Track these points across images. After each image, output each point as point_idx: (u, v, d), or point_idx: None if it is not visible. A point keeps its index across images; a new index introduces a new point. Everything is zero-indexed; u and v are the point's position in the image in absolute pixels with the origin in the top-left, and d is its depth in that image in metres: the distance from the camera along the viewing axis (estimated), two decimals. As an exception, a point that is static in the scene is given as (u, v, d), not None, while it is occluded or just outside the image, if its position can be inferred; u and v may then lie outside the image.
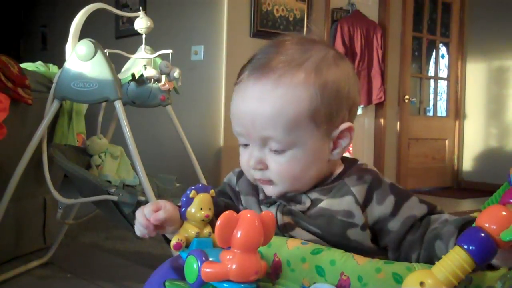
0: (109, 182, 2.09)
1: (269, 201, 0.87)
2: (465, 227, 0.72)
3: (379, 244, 0.82)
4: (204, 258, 0.65)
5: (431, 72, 5.75)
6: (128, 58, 2.23)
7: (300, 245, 0.75)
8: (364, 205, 0.80)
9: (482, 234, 0.59)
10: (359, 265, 0.70)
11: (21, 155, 1.96)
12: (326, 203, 0.82)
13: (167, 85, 2.17)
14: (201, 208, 0.79)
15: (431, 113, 5.80)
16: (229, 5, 3.85)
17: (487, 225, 0.60)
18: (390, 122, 5.06)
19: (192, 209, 0.79)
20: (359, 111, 4.69)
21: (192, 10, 4.11)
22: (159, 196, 2.09)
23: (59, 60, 2.21)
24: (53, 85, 1.98)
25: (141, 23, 2.16)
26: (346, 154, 0.92)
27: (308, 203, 0.83)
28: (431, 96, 5.79)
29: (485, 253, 0.59)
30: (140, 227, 0.81)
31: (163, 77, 2.16)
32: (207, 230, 0.80)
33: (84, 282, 2.11)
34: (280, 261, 0.75)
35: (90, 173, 2.02)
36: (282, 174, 0.83)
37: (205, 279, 0.64)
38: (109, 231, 2.88)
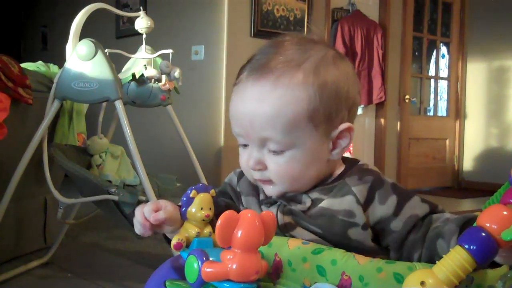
0: (110, 181, 2.08)
1: (269, 201, 0.87)
2: (466, 226, 0.72)
3: (381, 243, 0.81)
4: (204, 258, 0.65)
5: (432, 72, 5.75)
6: (129, 58, 2.23)
7: (301, 245, 0.75)
8: (365, 205, 0.80)
9: (483, 234, 0.59)
10: (360, 264, 0.69)
11: (21, 155, 1.96)
12: (326, 202, 0.82)
13: (167, 85, 2.17)
14: (202, 208, 0.79)
15: (431, 113, 5.80)
16: (230, 5, 3.85)
17: (488, 225, 0.60)
18: (391, 122, 5.05)
19: (192, 209, 0.79)
20: (360, 111, 4.69)
21: (192, 10, 4.11)
22: (159, 196, 2.09)
23: (60, 60, 2.21)
24: (54, 85, 1.98)
25: (142, 23, 2.16)
26: (347, 154, 0.92)
27: (308, 202, 0.83)
28: (432, 96, 5.79)
29: (486, 253, 0.59)
30: (138, 225, 0.81)
31: (164, 77, 2.16)
32: (208, 230, 0.80)
33: (84, 282, 2.11)
34: (281, 261, 0.75)
35: (90, 172, 2.02)
36: (281, 175, 0.83)
37: (206, 279, 0.64)
38: (110, 231, 2.89)
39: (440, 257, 0.61)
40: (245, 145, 0.86)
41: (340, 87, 0.83)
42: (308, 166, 0.83)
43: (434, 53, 5.68)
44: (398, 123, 5.14)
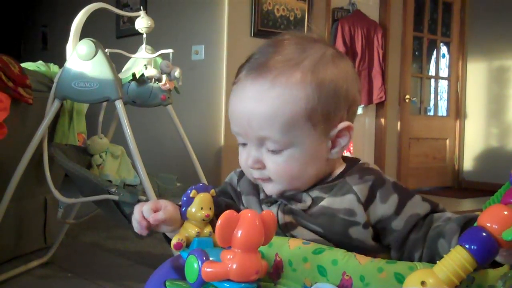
0: (110, 181, 2.08)
1: (269, 200, 0.87)
2: (467, 225, 0.72)
3: (382, 242, 0.81)
4: (204, 258, 0.65)
5: (432, 72, 5.75)
6: (129, 58, 2.23)
7: (301, 244, 0.75)
8: (366, 204, 0.79)
9: (484, 234, 0.59)
10: (361, 264, 0.69)
11: (21, 154, 1.96)
12: (327, 201, 0.81)
13: (167, 85, 2.17)
14: (202, 208, 0.79)
15: (431, 113, 5.80)
16: (230, 4, 3.85)
17: (488, 225, 0.60)
18: (391, 122, 5.05)
19: (192, 209, 0.79)
20: (360, 111, 4.69)
21: (192, 10, 4.11)
22: (159, 195, 2.09)
23: (60, 59, 2.21)
24: (54, 85, 1.98)
25: (142, 22, 2.16)
26: (347, 154, 0.91)
27: (309, 201, 0.83)
28: (432, 95, 5.79)
29: (487, 253, 0.59)
30: (136, 224, 0.82)
31: (164, 76, 2.15)
32: (208, 229, 0.80)
33: (84, 281, 2.11)
34: (282, 260, 0.75)
35: (90, 172, 2.02)
36: (280, 174, 0.83)
37: (206, 279, 0.64)
38: (110, 231, 2.89)
39: (441, 257, 0.61)
40: (244, 144, 0.86)
41: (339, 86, 0.82)
42: (306, 165, 0.83)
43: (435, 53, 5.68)
44: (398, 123, 5.14)
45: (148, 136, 4.01)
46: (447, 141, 5.65)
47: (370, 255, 0.75)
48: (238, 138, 0.86)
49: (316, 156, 0.83)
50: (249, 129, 0.82)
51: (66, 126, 2.32)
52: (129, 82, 2.20)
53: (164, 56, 2.20)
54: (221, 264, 0.63)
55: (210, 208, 0.79)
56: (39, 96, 2.12)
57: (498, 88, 5.52)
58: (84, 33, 2.06)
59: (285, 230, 0.83)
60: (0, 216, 1.96)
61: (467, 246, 0.59)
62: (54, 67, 2.41)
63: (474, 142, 5.65)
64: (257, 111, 0.81)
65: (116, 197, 1.80)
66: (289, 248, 0.75)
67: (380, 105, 4.97)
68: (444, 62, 5.78)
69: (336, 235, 0.80)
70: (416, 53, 5.52)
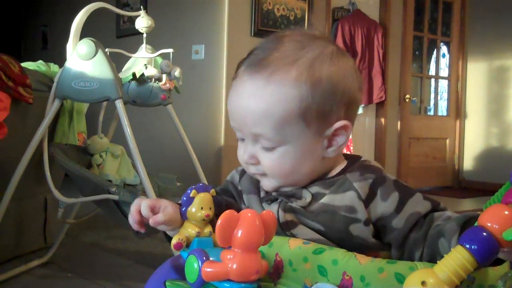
0: (110, 181, 2.08)
1: (270, 198, 0.87)
2: (467, 224, 0.72)
3: (383, 240, 0.81)
4: (204, 258, 0.65)
5: (432, 72, 5.75)
6: (129, 57, 2.23)
7: (302, 244, 0.75)
8: (367, 201, 0.79)
9: (484, 234, 0.59)
10: (362, 264, 0.69)
11: (21, 154, 1.96)
12: (328, 198, 0.81)
13: (168, 84, 2.17)
14: (202, 208, 0.79)
15: (431, 113, 5.80)
16: (230, 4, 3.85)
17: (489, 225, 0.59)
18: (391, 122, 5.05)
19: (192, 209, 0.79)
20: (360, 111, 4.69)
21: (193, 9, 4.11)
22: (160, 195, 2.09)
23: (60, 59, 2.21)
24: (54, 84, 1.98)
25: (142, 22, 2.16)
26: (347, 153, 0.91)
27: (309, 197, 0.83)
28: (432, 95, 5.79)
29: (487, 253, 0.59)
30: (131, 220, 0.83)
31: (164, 76, 2.15)
32: (208, 229, 0.80)
33: (84, 281, 2.11)
34: (282, 260, 0.75)
35: (91, 172, 2.02)
36: (273, 170, 0.83)
37: (206, 279, 0.64)
38: (110, 231, 2.89)
39: (442, 256, 0.61)
40: (243, 139, 0.86)
41: (336, 84, 0.81)
42: (300, 163, 0.82)
43: (435, 52, 5.68)
44: (399, 123, 5.14)
45: (148, 135, 4.01)
46: (447, 141, 5.65)
47: (371, 253, 0.75)
48: (236, 133, 0.87)
49: (310, 154, 0.83)
50: (244, 125, 0.83)
51: (66, 125, 2.32)
52: (129, 81, 2.20)
53: (164, 56, 2.20)
54: (221, 264, 0.63)
55: (210, 208, 0.79)
56: (39, 96, 2.12)
57: (498, 88, 5.51)
58: (84, 33, 2.06)
59: (285, 228, 0.83)
60: (0, 216, 1.96)
61: (467, 246, 0.59)
62: (54, 67, 2.41)
63: (474, 142, 5.65)
64: (251, 108, 0.81)
65: (116, 197, 1.80)
66: (290, 248, 0.75)
67: (380, 104, 4.97)
68: (444, 62, 5.78)
69: (337, 233, 0.79)
70: (416, 52, 5.52)
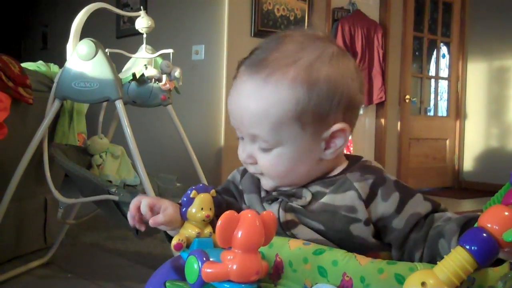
0: (110, 181, 2.09)
1: (270, 198, 0.87)
2: (467, 225, 0.72)
3: (383, 240, 0.81)
4: (204, 258, 0.65)
5: (432, 72, 5.75)
6: (129, 58, 2.23)
7: (302, 245, 0.75)
8: (367, 201, 0.79)
9: (484, 235, 0.59)
10: (362, 265, 0.69)
11: (22, 154, 1.96)
12: (328, 198, 0.81)
13: (168, 85, 2.17)
14: (202, 208, 0.79)
15: (431, 113, 5.80)
16: (230, 4, 3.85)
17: (489, 225, 0.59)
18: (391, 122, 5.05)
19: (192, 209, 0.79)
20: (360, 111, 4.68)
21: (193, 10, 4.11)
22: (160, 196, 2.08)
23: (60, 59, 2.21)
24: (54, 85, 1.98)
25: (142, 22, 2.16)
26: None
27: (309, 197, 0.83)
28: (432, 96, 5.79)
29: (487, 254, 0.59)
30: (129, 216, 0.84)
31: (164, 76, 2.15)
32: (208, 230, 0.80)
33: (84, 282, 2.11)
34: (282, 261, 0.75)
35: (91, 172, 2.02)
36: (269, 170, 0.84)
37: (206, 280, 0.64)
38: (110, 231, 2.88)
39: (442, 257, 0.61)
40: (242, 138, 0.87)
41: (334, 87, 0.80)
42: (296, 164, 0.83)
43: (435, 53, 5.68)
44: (399, 123, 5.14)
45: (148, 136, 4.01)
46: (447, 142, 5.65)
47: (371, 253, 0.75)
48: (236, 132, 0.87)
49: (306, 156, 0.83)
50: (241, 125, 0.84)
51: (66, 126, 2.32)
52: (129, 82, 2.20)
53: (164, 56, 2.20)
54: (221, 264, 0.63)
55: (210, 209, 0.80)
56: (39, 96, 2.13)
57: (498, 88, 5.52)
58: (84, 33, 2.06)
59: (285, 228, 0.83)
60: (0, 216, 1.96)
61: (467, 247, 0.59)
62: (54, 67, 2.41)
63: (474, 142, 5.65)
64: (248, 109, 0.81)
65: (116, 197, 1.80)
66: (290, 248, 0.75)
67: (380, 105, 4.97)
68: (444, 62, 5.78)
69: (337, 232, 0.79)
70: (416, 53, 5.52)
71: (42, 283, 2.10)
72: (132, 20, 2.47)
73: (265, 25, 4.00)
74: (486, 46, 5.54)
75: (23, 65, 2.23)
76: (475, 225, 0.62)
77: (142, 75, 2.15)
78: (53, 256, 2.32)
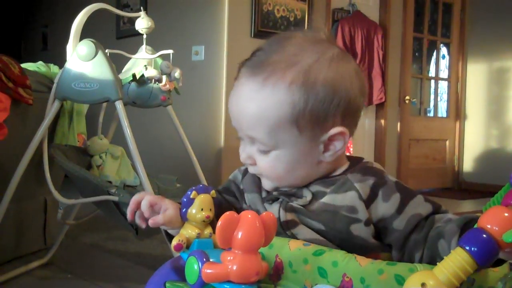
0: (110, 182, 2.08)
1: (271, 198, 0.87)
2: (467, 226, 0.72)
3: (383, 241, 0.81)
4: (205, 259, 0.65)
5: (432, 73, 5.75)
6: (129, 58, 2.23)
7: (302, 246, 0.75)
8: (368, 202, 0.79)
9: (484, 235, 0.59)
10: (362, 266, 0.69)
11: (21, 155, 1.96)
12: (329, 198, 0.81)
13: (168, 86, 2.17)
14: (202, 209, 0.79)
15: (431, 114, 5.80)
16: (230, 5, 3.85)
17: (489, 226, 0.59)
18: (391, 123, 5.05)
19: (192, 210, 0.79)
20: (361, 113, 4.68)
21: (193, 10, 4.11)
22: (159, 196, 2.08)
23: (60, 60, 2.21)
24: (54, 85, 1.98)
25: (142, 23, 2.16)
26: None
27: (309, 196, 0.83)
28: (432, 96, 5.79)
29: (487, 254, 0.59)
30: (128, 209, 0.85)
31: (164, 77, 2.16)
32: (208, 231, 0.80)
33: (84, 282, 2.11)
34: (282, 262, 0.75)
35: (90, 173, 2.02)
36: (268, 172, 0.84)
37: (206, 280, 0.64)
38: (110, 232, 2.88)
39: (441, 258, 0.61)
40: (242, 138, 0.87)
41: (332, 90, 0.80)
42: (294, 167, 0.83)
43: (434, 53, 5.68)
44: (398, 124, 5.14)
45: (148, 137, 4.01)
46: (447, 142, 5.65)
47: (371, 254, 0.75)
48: (238, 132, 0.87)
49: (304, 159, 0.83)
50: (240, 127, 0.84)
51: (66, 126, 2.32)
52: (129, 82, 2.20)
53: (164, 57, 2.20)
54: (222, 265, 0.63)
55: (210, 209, 0.80)
56: (39, 97, 2.12)
57: (498, 89, 5.52)
58: (84, 34, 2.06)
59: (285, 228, 0.83)
60: (0, 217, 1.96)
61: (467, 248, 0.59)
62: (54, 68, 2.41)
63: (474, 143, 5.65)
64: (246, 111, 0.81)
65: (116, 198, 1.80)
66: (290, 249, 0.75)
67: (380, 106, 4.97)
68: (444, 63, 5.78)
69: (338, 232, 0.79)
70: (416, 54, 5.52)
71: (42, 283, 2.10)
72: (132, 20, 2.47)
73: (265, 25, 4.00)
74: (486, 47, 5.54)
75: (23, 65, 2.23)
76: (475, 226, 0.62)
77: (142, 75, 2.15)
78: (53, 257, 2.32)
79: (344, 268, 0.70)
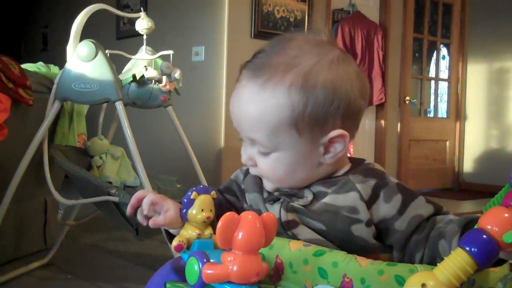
0: (110, 183, 2.08)
1: (272, 198, 0.87)
2: (468, 226, 0.72)
3: (384, 242, 0.81)
4: (205, 260, 0.65)
5: (432, 73, 5.75)
6: (129, 59, 2.23)
7: (302, 246, 0.75)
8: (369, 203, 0.79)
9: (484, 236, 0.59)
10: (362, 267, 0.69)
11: (22, 156, 1.96)
12: (330, 198, 0.81)
13: (168, 86, 2.17)
14: (202, 210, 0.79)
15: (431, 114, 5.80)
16: (230, 6, 3.85)
17: (489, 227, 0.59)
18: (391, 123, 5.05)
19: (193, 211, 0.79)
20: (362, 115, 4.68)
21: (193, 11, 4.11)
22: (160, 197, 2.08)
23: (60, 60, 2.21)
24: (54, 86, 1.98)
25: (142, 24, 2.16)
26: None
27: (310, 196, 0.83)
28: (432, 97, 5.79)
29: (487, 255, 0.59)
30: (130, 204, 0.86)
31: (164, 78, 2.16)
32: (208, 231, 0.80)
33: (84, 283, 2.11)
34: (282, 262, 0.75)
35: (91, 174, 2.02)
36: (268, 174, 0.85)
37: (206, 281, 0.64)
38: (110, 232, 2.88)
39: (442, 258, 0.61)
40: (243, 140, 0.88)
41: (332, 93, 0.80)
42: (295, 168, 0.83)
43: (435, 54, 5.68)
44: (398, 125, 5.14)
45: (148, 137, 4.01)
46: (447, 143, 5.65)
47: (372, 254, 0.75)
48: (240, 134, 0.87)
49: (304, 161, 0.83)
50: (240, 129, 0.84)
51: (66, 127, 2.32)
52: (129, 83, 2.20)
53: (164, 57, 2.20)
54: (222, 266, 0.63)
55: (210, 210, 0.80)
56: (39, 97, 2.13)
57: (498, 90, 5.52)
58: (85, 34, 2.06)
59: (286, 228, 0.83)
60: (0, 218, 1.96)
61: (467, 249, 0.59)
62: (54, 68, 2.41)
63: (474, 143, 5.65)
64: (246, 114, 0.82)
65: (116, 199, 1.80)
66: (290, 250, 0.75)
67: (380, 106, 4.97)
68: (444, 64, 5.78)
69: (339, 233, 0.80)
70: (416, 54, 5.52)
71: (42, 284, 2.10)
72: (132, 21, 2.47)
73: (265, 26, 4.00)
74: (486, 47, 5.54)
75: (23, 66, 2.23)
76: (475, 226, 0.62)
77: (142, 76, 2.15)
78: (53, 257, 2.33)
79: (344, 268, 0.70)
